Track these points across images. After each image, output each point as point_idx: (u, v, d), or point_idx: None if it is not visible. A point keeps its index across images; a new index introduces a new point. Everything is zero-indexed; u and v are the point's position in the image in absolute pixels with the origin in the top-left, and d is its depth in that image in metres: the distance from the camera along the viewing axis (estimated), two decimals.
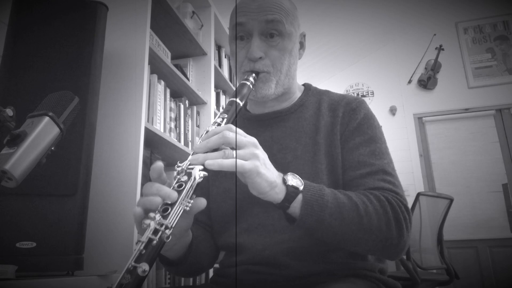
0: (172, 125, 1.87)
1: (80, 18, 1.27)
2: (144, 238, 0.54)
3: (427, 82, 4.39)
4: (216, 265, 0.98)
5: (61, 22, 1.25)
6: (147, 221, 0.56)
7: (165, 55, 1.82)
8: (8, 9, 1.25)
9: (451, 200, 2.53)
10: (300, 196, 0.69)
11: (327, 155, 0.84)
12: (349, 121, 0.86)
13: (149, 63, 1.61)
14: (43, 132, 0.61)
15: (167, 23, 1.91)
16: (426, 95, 4.42)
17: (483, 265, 3.83)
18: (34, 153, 0.60)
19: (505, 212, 3.90)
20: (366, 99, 4.61)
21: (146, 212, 0.59)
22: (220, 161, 0.62)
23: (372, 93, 4.62)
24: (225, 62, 2.71)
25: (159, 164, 0.64)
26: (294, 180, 0.69)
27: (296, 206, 0.69)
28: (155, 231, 0.55)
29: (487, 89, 4.25)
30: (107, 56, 1.39)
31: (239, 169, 0.63)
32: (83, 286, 1.08)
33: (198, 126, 2.17)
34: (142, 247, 0.54)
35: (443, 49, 4.46)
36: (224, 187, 0.90)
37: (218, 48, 2.64)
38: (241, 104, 0.77)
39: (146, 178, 1.55)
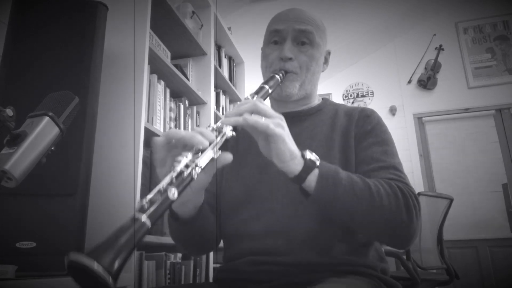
0: (172, 125, 1.87)
1: (80, 18, 1.26)
2: (177, 169, 0.59)
3: (427, 82, 4.39)
4: (216, 265, 0.98)
5: (61, 22, 1.25)
6: (180, 158, 0.61)
7: (165, 55, 1.82)
8: (8, 9, 1.25)
9: (451, 200, 2.53)
10: (316, 170, 0.74)
11: (341, 151, 0.89)
12: (363, 124, 0.93)
13: (149, 63, 1.61)
14: (43, 132, 0.61)
15: (167, 23, 1.91)
16: (426, 95, 4.42)
17: (483, 265, 3.83)
18: (34, 153, 0.60)
19: (505, 212, 3.90)
20: (366, 99, 4.61)
21: (170, 147, 0.67)
22: (257, 118, 0.69)
23: (372, 93, 4.62)
24: (225, 62, 2.71)
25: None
26: (311, 155, 0.75)
27: (312, 179, 0.73)
28: (187, 166, 0.60)
29: (487, 89, 4.25)
30: (107, 56, 1.39)
31: (270, 131, 0.69)
32: None
33: (198, 126, 2.17)
34: (174, 175, 0.58)
35: (443, 49, 4.46)
36: (238, 173, 0.93)
37: (218, 48, 2.64)
38: (270, 91, 0.85)
39: (146, 178, 1.55)
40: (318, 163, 0.74)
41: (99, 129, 1.27)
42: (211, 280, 1.83)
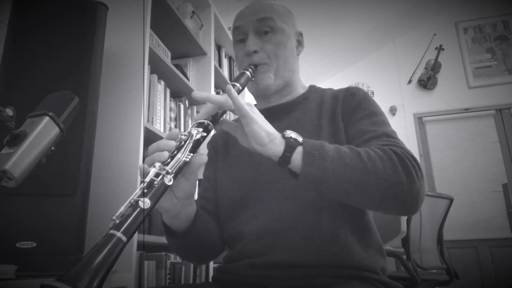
0: (172, 125, 1.87)
1: (80, 18, 1.26)
2: (146, 180, 0.59)
3: (427, 82, 4.39)
4: (216, 265, 0.98)
5: (61, 22, 1.25)
6: (150, 168, 0.62)
7: (165, 55, 1.82)
8: (8, 9, 1.25)
9: (451, 200, 2.53)
10: (300, 148, 0.70)
11: (330, 135, 0.87)
12: (349, 102, 0.90)
13: (149, 63, 1.61)
14: (43, 132, 0.61)
15: (167, 23, 1.91)
16: (426, 95, 4.42)
17: (483, 265, 3.84)
18: (34, 153, 0.60)
19: (505, 212, 3.90)
20: None
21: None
22: (226, 97, 0.69)
23: (372, 93, 4.61)
24: (225, 62, 2.71)
25: (176, 131, 0.69)
26: (293, 133, 0.72)
27: (297, 157, 0.69)
28: (157, 175, 0.60)
29: (487, 89, 4.25)
30: (107, 56, 1.39)
31: (240, 110, 0.68)
32: None
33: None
34: (144, 186, 0.58)
35: (443, 49, 4.46)
36: (233, 175, 0.92)
37: (218, 48, 2.64)
38: (240, 88, 0.82)
39: None
40: (300, 139, 0.71)
41: (99, 129, 1.27)
42: (211, 280, 1.83)
